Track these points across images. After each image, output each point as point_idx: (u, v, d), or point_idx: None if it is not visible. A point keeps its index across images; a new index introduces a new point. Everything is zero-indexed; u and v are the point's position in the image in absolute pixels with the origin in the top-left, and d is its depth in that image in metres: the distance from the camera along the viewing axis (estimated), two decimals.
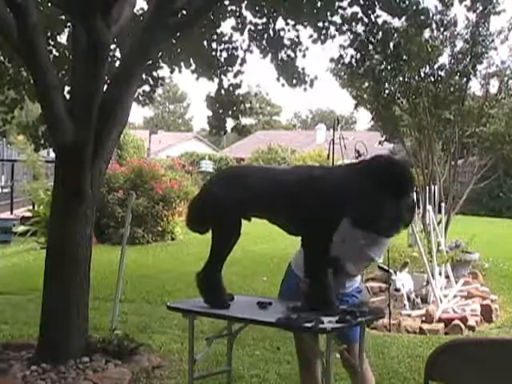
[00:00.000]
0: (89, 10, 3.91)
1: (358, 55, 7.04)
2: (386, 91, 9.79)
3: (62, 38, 6.63)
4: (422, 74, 9.66)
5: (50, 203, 5.23)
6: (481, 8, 9.14)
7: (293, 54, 7.25)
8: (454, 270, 7.98)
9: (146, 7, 6.29)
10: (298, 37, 7.19)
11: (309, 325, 2.81)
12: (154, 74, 7.01)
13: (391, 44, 6.89)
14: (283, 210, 3.06)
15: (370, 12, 6.61)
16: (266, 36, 7.13)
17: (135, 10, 5.81)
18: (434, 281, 6.94)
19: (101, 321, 5.83)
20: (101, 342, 4.80)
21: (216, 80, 7.31)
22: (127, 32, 5.02)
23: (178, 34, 5.85)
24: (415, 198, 9.87)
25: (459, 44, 9.80)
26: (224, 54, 7.22)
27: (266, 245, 11.58)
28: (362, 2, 6.61)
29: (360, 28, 6.80)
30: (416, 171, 10.70)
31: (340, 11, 6.73)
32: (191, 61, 7.15)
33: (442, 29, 9.22)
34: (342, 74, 10.74)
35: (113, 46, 5.52)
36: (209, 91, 7.49)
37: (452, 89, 9.76)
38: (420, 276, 7.32)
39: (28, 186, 14.90)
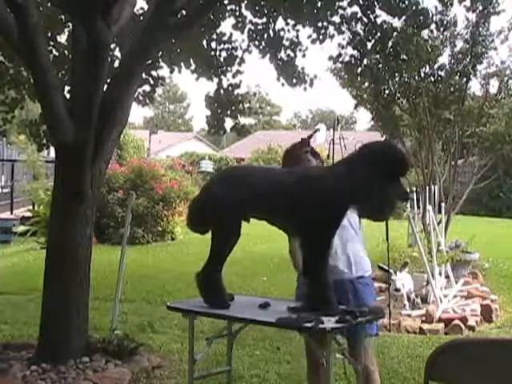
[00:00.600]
0: (89, 11, 3.91)
1: (357, 54, 7.04)
2: (386, 91, 9.79)
3: (62, 38, 6.63)
4: (422, 74, 9.67)
5: (50, 203, 5.23)
6: (481, 8, 9.15)
7: (292, 54, 7.25)
8: (454, 270, 7.98)
9: (146, 7, 6.29)
10: (297, 37, 7.20)
11: (309, 325, 2.81)
12: (154, 73, 7.01)
13: (390, 43, 6.89)
14: (283, 210, 3.05)
15: (369, 12, 6.61)
16: (265, 36, 7.13)
17: (135, 10, 5.81)
18: (433, 281, 6.94)
19: (101, 321, 5.83)
20: (101, 342, 4.80)
21: (215, 80, 7.32)
22: (127, 32, 5.02)
23: (178, 34, 5.85)
24: (415, 197, 9.88)
25: (459, 44, 9.81)
26: (223, 54, 7.22)
27: (266, 245, 11.58)
28: (361, 2, 6.61)
29: (359, 28, 6.80)
30: (416, 171, 10.71)
31: (340, 11, 6.73)
32: (191, 61, 7.15)
33: (441, 29, 9.22)
34: (342, 73, 10.74)
35: (113, 46, 5.52)
36: (208, 91, 7.50)
37: (452, 89, 9.76)
38: (420, 276, 7.32)
39: (28, 186, 14.89)
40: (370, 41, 6.81)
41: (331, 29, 6.88)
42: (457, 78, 9.73)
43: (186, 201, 13.61)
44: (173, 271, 9.09)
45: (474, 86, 10.73)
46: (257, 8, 6.99)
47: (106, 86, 4.55)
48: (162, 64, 6.99)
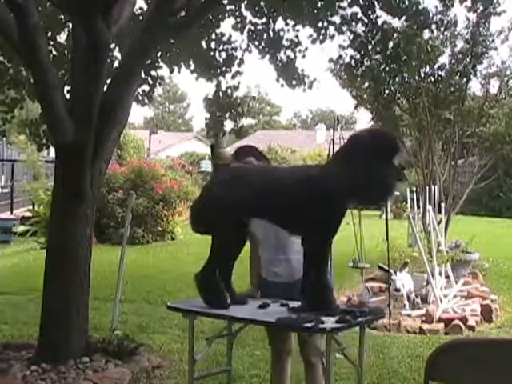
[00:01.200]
0: (89, 11, 3.91)
1: (358, 55, 7.04)
2: (386, 91, 9.80)
3: (62, 38, 6.63)
4: (422, 74, 9.67)
5: (50, 203, 5.23)
6: (481, 8, 9.15)
7: (292, 55, 7.25)
8: (454, 270, 7.98)
9: (145, 7, 6.29)
10: (297, 37, 7.20)
11: (309, 325, 2.81)
12: (153, 73, 7.00)
13: (390, 44, 6.89)
14: (283, 210, 3.06)
15: (369, 12, 6.61)
16: (265, 36, 7.13)
17: (135, 10, 5.80)
18: (434, 281, 6.94)
19: (101, 321, 5.83)
20: (101, 342, 4.80)
21: (214, 81, 7.31)
22: (127, 32, 5.02)
23: (178, 34, 5.84)
24: (415, 197, 9.89)
25: (459, 44, 9.82)
26: (223, 55, 7.22)
27: None
28: (361, 3, 6.61)
29: (359, 28, 6.80)
30: (416, 171, 10.71)
31: (340, 11, 6.73)
32: (190, 61, 7.15)
33: (442, 29, 9.22)
34: (342, 74, 10.74)
35: (112, 46, 5.52)
36: (207, 93, 7.50)
37: (452, 89, 9.76)
38: (420, 276, 7.32)
39: (28, 186, 14.89)
40: (370, 42, 6.81)
41: (331, 29, 6.88)
42: (457, 77, 9.73)
43: (186, 201, 13.61)
44: (173, 271, 9.09)
45: (474, 86, 10.75)
46: (256, 8, 6.99)
47: (105, 86, 4.55)
48: (161, 64, 6.98)
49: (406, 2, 6.48)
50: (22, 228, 13.05)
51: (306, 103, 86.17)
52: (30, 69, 4.79)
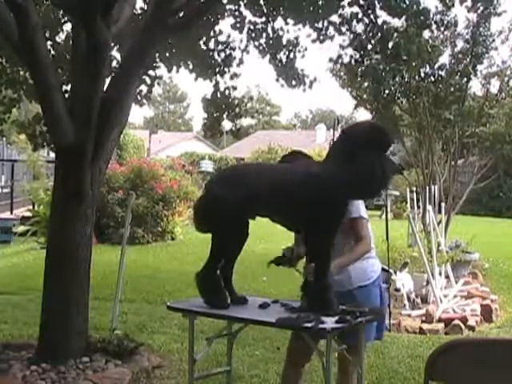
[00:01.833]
0: (89, 11, 3.91)
1: (357, 55, 7.04)
2: (386, 91, 9.79)
3: (61, 38, 6.62)
4: (423, 74, 9.66)
5: (50, 203, 5.23)
6: (481, 8, 9.15)
7: (292, 55, 7.25)
8: (454, 270, 7.98)
9: (145, 7, 6.29)
10: (297, 37, 7.20)
11: (309, 325, 2.81)
12: (152, 73, 7.00)
13: (390, 44, 6.89)
14: (284, 209, 3.06)
15: (369, 12, 6.61)
16: (264, 35, 7.13)
17: (135, 10, 5.80)
18: (434, 281, 6.94)
19: (101, 321, 5.83)
20: (101, 342, 4.79)
21: (213, 81, 7.31)
22: (127, 32, 5.01)
23: (177, 34, 5.84)
24: (415, 197, 9.86)
25: (460, 44, 9.82)
26: (222, 55, 7.21)
27: (266, 245, 11.56)
28: (361, 2, 6.61)
29: (360, 28, 6.80)
30: (416, 171, 10.71)
31: (340, 11, 6.73)
32: (189, 60, 7.14)
33: (442, 29, 9.22)
34: (342, 74, 10.75)
35: (112, 46, 5.52)
36: (205, 93, 7.51)
37: (452, 89, 9.76)
38: (420, 276, 7.32)
39: (28, 186, 14.88)
40: (370, 42, 6.81)
41: (331, 29, 6.88)
42: (457, 77, 9.73)
43: (186, 201, 13.61)
44: (173, 271, 9.09)
45: (475, 86, 10.75)
46: (256, 7, 6.99)
47: (105, 86, 4.55)
48: (159, 64, 6.98)
49: (406, 2, 6.48)
50: (22, 228, 13.04)
51: (306, 103, 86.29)
52: (29, 69, 4.79)
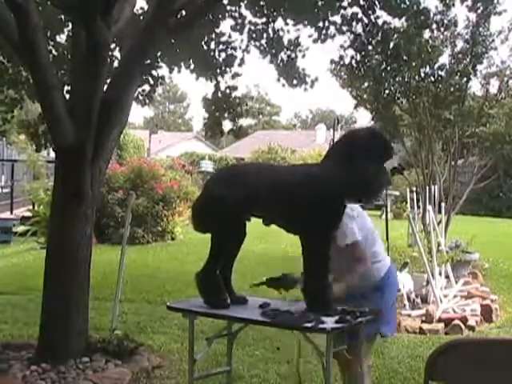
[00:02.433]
0: (89, 11, 3.91)
1: (358, 56, 7.04)
2: (386, 91, 9.79)
3: (62, 38, 6.63)
4: (423, 74, 9.66)
5: (50, 203, 5.23)
6: (481, 8, 9.15)
7: (293, 55, 7.25)
8: (454, 270, 7.98)
9: (146, 7, 6.29)
10: (297, 37, 7.20)
11: (309, 325, 2.81)
12: (154, 73, 7.01)
13: (391, 44, 6.89)
14: (282, 210, 3.06)
15: (370, 12, 6.61)
16: (265, 36, 7.13)
17: (135, 10, 5.80)
18: (434, 281, 6.93)
19: (101, 321, 5.82)
20: (101, 342, 4.79)
21: (214, 81, 7.31)
22: (127, 32, 5.02)
23: (178, 34, 5.84)
24: (415, 197, 9.86)
25: (459, 44, 9.82)
26: (223, 55, 7.22)
27: (266, 245, 11.57)
28: (362, 3, 6.61)
29: (360, 28, 6.80)
30: (416, 171, 10.71)
31: (340, 10, 6.73)
32: (190, 60, 7.15)
33: (442, 29, 9.22)
34: (342, 74, 10.74)
35: (112, 46, 5.52)
36: (206, 93, 7.51)
37: (452, 89, 9.76)
38: (420, 276, 7.31)
39: (28, 186, 14.87)
40: (370, 42, 6.81)
41: (332, 29, 6.88)
42: (457, 77, 9.73)
43: (186, 201, 13.61)
44: (173, 271, 9.08)
45: (474, 86, 10.74)
46: (256, 8, 6.99)
47: (105, 86, 4.55)
48: (161, 64, 6.99)
49: (407, 2, 6.49)
50: (22, 228, 13.03)
51: (306, 103, 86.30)
52: (29, 69, 4.79)
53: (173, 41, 6.43)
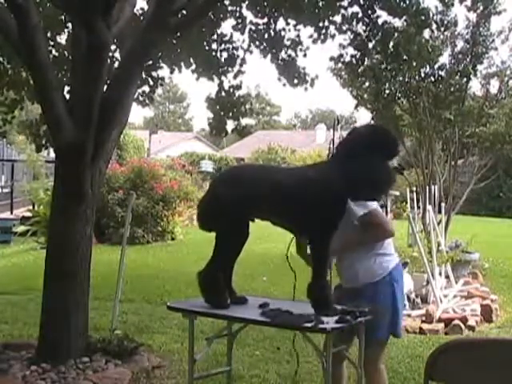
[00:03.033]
0: (89, 11, 3.91)
1: (358, 55, 7.04)
2: (387, 91, 9.80)
3: (62, 39, 6.63)
4: (423, 74, 9.67)
5: (50, 203, 5.23)
6: (481, 8, 9.15)
7: (293, 54, 7.25)
8: (454, 270, 7.98)
9: (146, 7, 6.29)
10: (298, 36, 7.20)
11: (309, 325, 2.81)
12: (154, 74, 7.00)
13: (391, 44, 6.89)
14: (284, 210, 3.06)
15: (370, 12, 6.61)
16: (266, 36, 7.13)
17: (135, 10, 5.80)
18: (434, 281, 6.93)
19: (101, 321, 5.83)
20: (101, 342, 4.79)
21: (216, 81, 7.31)
22: (127, 32, 5.02)
23: (178, 34, 5.85)
24: (415, 197, 9.85)
25: (460, 44, 9.82)
26: (224, 55, 7.22)
27: (266, 245, 11.57)
28: (361, 2, 6.61)
29: (360, 28, 6.80)
30: (416, 171, 10.71)
31: (341, 10, 6.73)
32: (191, 61, 7.14)
33: (442, 29, 9.22)
34: (343, 73, 10.74)
35: (113, 47, 5.52)
36: (209, 92, 7.50)
37: (452, 89, 9.76)
38: (420, 276, 7.31)
39: (28, 186, 14.90)
40: (371, 41, 6.81)
41: (332, 28, 6.88)
42: (457, 77, 9.73)
43: (186, 201, 13.61)
44: (173, 271, 9.09)
45: (475, 86, 10.75)
46: (258, 8, 6.99)
47: (105, 87, 4.55)
48: (162, 64, 6.98)
49: (407, 2, 6.49)
50: (22, 228, 13.05)
51: (306, 103, 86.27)
52: (29, 69, 4.79)
53: (174, 41, 6.43)
